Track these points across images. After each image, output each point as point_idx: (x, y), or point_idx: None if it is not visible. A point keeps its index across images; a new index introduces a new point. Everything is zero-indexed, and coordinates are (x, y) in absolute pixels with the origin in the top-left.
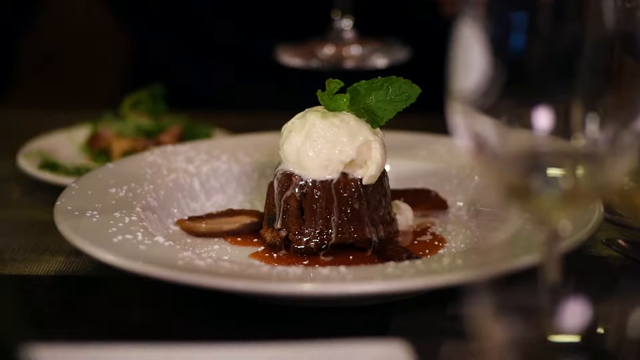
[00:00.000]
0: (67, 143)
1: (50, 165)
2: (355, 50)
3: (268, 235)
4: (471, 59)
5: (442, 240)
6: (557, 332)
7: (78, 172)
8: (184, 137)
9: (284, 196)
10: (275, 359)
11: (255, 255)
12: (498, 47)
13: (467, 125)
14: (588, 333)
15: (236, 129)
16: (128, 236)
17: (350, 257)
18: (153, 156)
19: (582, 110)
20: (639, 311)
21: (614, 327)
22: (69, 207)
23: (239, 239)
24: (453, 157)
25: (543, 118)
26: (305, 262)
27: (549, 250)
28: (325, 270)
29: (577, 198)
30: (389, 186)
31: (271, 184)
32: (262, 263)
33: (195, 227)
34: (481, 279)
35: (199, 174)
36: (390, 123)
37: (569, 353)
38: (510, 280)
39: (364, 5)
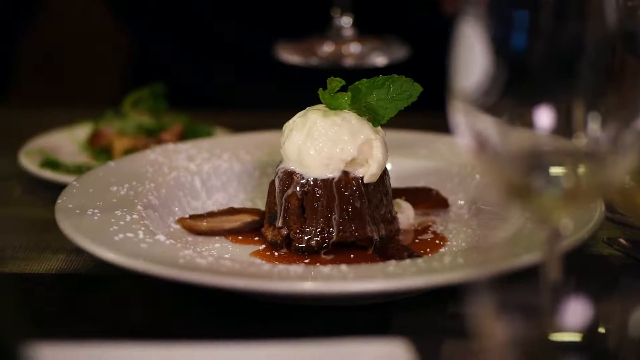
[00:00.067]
0: (68, 141)
1: (51, 163)
2: (354, 48)
3: (269, 234)
4: (473, 58)
5: (443, 239)
6: (558, 331)
7: (79, 170)
8: (185, 136)
9: (285, 194)
10: (276, 357)
11: (257, 253)
12: (499, 45)
13: (468, 123)
14: (589, 332)
15: (237, 128)
16: (129, 234)
17: (352, 255)
18: (154, 154)
19: (584, 109)
20: None
21: (615, 326)
22: (70, 206)
23: (240, 237)
24: (454, 156)
25: (544, 117)
26: (307, 261)
27: (550, 249)
28: (326, 269)
29: (579, 197)
30: (390, 185)
31: (272, 183)
32: (263, 261)
33: (197, 226)
34: (482, 278)
35: (200, 172)
36: (391, 121)
37: (569, 352)
38: (511, 279)
39: (363, 3)
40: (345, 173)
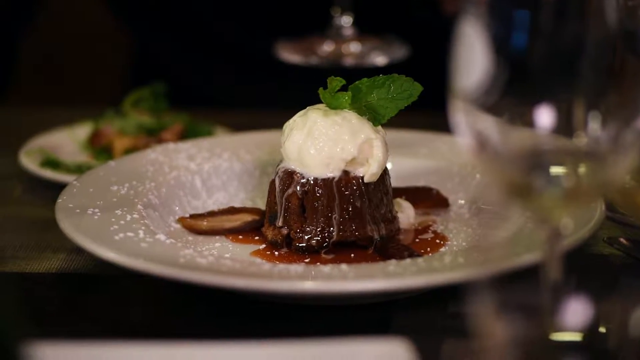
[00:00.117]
0: (68, 141)
1: (51, 162)
2: (354, 47)
3: (269, 233)
4: (473, 57)
5: (443, 239)
6: (559, 331)
7: (79, 169)
8: (185, 135)
9: (286, 194)
10: (276, 357)
11: (257, 253)
12: (500, 45)
13: (468, 123)
14: (589, 331)
15: (237, 127)
16: (129, 234)
17: (352, 255)
18: (155, 154)
19: (584, 108)
20: None
21: (616, 326)
22: (71, 205)
23: (240, 236)
24: (455, 155)
25: (545, 116)
26: (307, 260)
27: (551, 249)
28: (327, 268)
29: (579, 196)
30: (390, 184)
31: (273, 182)
32: (264, 261)
33: (197, 225)
34: (483, 277)
35: (201, 171)
36: (391, 121)
37: (570, 351)
38: (511, 279)
39: (363, 2)
40: (346, 172)
